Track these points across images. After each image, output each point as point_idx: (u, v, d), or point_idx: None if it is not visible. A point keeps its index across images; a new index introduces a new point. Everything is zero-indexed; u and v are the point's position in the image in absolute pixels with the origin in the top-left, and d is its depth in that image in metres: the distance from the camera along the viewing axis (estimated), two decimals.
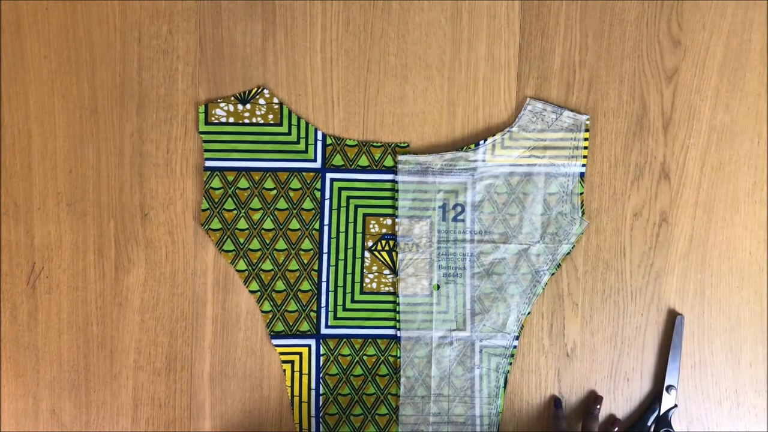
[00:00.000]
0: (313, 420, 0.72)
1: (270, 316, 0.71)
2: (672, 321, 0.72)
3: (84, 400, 0.71)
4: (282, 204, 0.71)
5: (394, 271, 0.71)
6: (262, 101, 0.70)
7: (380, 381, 0.72)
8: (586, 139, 0.71)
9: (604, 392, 0.72)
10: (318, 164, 0.71)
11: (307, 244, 0.71)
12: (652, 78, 0.71)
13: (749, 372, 0.72)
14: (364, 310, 0.71)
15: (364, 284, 0.71)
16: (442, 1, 0.70)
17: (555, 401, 0.71)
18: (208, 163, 0.70)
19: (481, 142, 0.70)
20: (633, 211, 0.72)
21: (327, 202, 0.71)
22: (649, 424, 0.70)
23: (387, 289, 0.71)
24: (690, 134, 0.72)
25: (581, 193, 0.71)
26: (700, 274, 0.72)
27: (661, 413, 0.70)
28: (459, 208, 0.71)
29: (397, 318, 0.71)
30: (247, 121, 0.70)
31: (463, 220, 0.71)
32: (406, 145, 0.71)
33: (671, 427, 0.70)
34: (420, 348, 0.71)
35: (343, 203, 0.71)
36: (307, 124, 0.70)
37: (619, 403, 0.72)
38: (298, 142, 0.70)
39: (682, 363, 0.72)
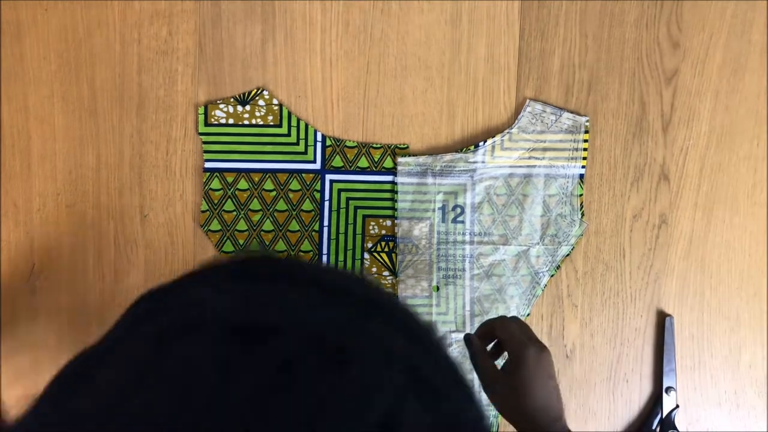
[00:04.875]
0: None
1: None
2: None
3: None
4: (281, 205, 0.71)
5: (394, 273, 0.71)
6: (261, 102, 0.70)
7: None
8: (585, 141, 0.71)
9: (604, 393, 0.72)
10: (318, 165, 0.71)
11: (306, 245, 0.71)
12: (651, 79, 0.71)
13: (749, 373, 0.72)
14: None
15: None
16: (441, 2, 0.70)
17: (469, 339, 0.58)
18: (208, 165, 0.70)
19: (481, 143, 0.70)
20: (632, 213, 0.72)
21: (327, 204, 0.71)
22: (654, 427, 0.70)
23: (386, 290, 0.71)
24: (689, 136, 0.72)
25: (581, 195, 0.71)
26: (699, 276, 0.72)
27: (665, 415, 0.70)
28: (458, 210, 0.71)
29: None
30: (246, 122, 0.70)
31: (462, 222, 0.71)
32: (405, 146, 0.71)
33: (676, 428, 0.70)
34: None
35: (343, 204, 0.71)
36: (306, 125, 0.70)
37: (619, 404, 0.72)
38: (297, 144, 0.70)
39: (681, 365, 0.72)
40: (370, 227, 0.71)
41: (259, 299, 0.22)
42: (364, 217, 0.71)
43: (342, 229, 0.71)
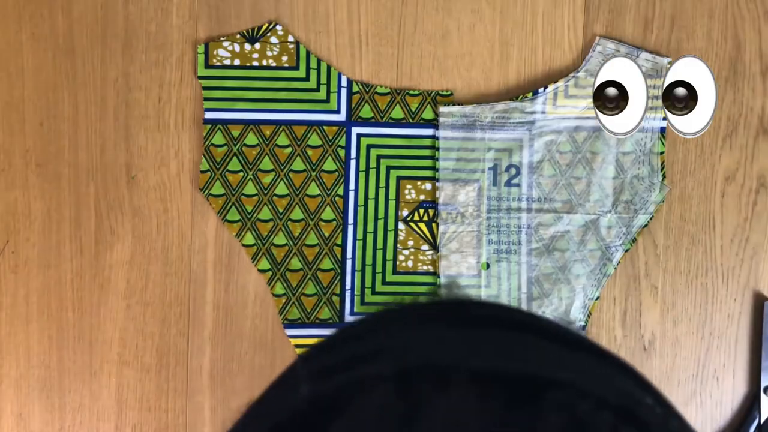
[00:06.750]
0: None
1: (283, 300, 0.67)
2: None
3: (57, 402, 0.66)
4: (298, 165, 0.67)
5: (435, 247, 0.66)
6: (274, 40, 0.66)
7: None
8: None
9: (688, 394, 0.66)
10: (342, 116, 0.67)
11: (328, 213, 0.67)
12: (748, 13, 0.66)
13: None
14: (397, 293, 0.67)
15: (398, 262, 0.67)
16: None
17: None
18: (209, 115, 0.66)
19: (541, 90, 0.66)
20: (725, 175, 0.66)
21: (353, 163, 0.67)
22: None
23: (425, 268, 0.67)
24: None
25: (662, 153, 0.66)
26: None
27: (762, 421, 0.64)
28: (513, 170, 0.66)
29: None
30: (256, 63, 0.66)
31: (518, 185, 0.66)
32: (449, 93, 0.67)
33: None
34: None
35: (373, 164, 0.67)
36: (328, 67, 0.67)
37: (707, 407, 0.66)
38: (317, 90, 0.67)
39: None
40: (406, 191, 0.67)
41: (498, 345, 0.22)
42: (399, 179, 0.67)
43: (372, 194, 0.67)
